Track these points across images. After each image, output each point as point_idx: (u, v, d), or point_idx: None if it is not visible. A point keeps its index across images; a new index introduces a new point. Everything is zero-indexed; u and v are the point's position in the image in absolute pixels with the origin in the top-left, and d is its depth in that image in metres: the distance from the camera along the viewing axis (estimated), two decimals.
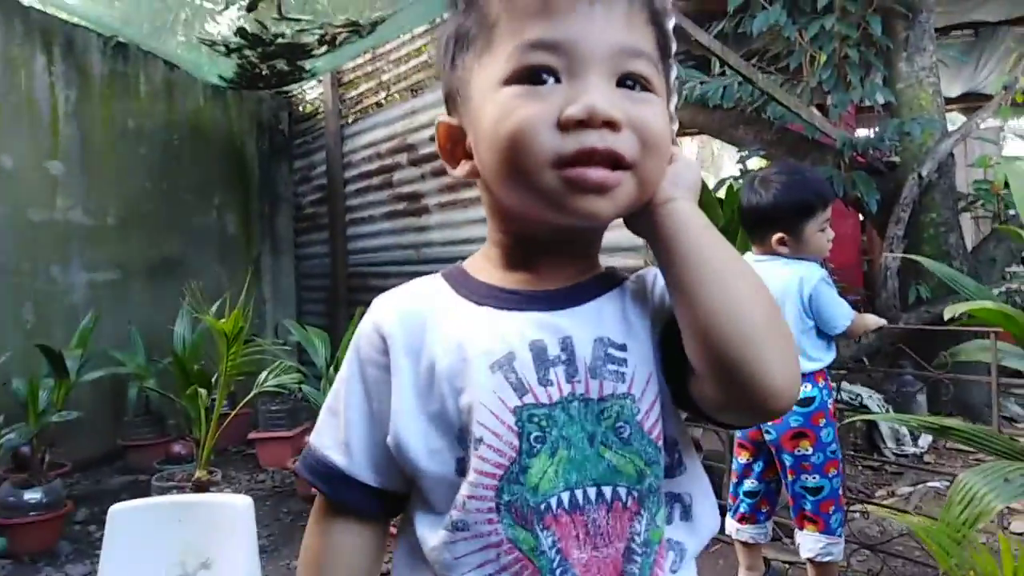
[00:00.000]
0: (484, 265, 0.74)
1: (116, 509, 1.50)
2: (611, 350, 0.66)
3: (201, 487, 2.56)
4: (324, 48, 3.74)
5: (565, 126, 0.60)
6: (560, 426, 0.64)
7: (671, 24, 0.71)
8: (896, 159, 4.24)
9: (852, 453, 3.59)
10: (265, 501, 3.79)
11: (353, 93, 5.26)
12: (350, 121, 5.28)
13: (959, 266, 4.10)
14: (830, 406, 2.26)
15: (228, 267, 5.32)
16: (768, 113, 4.43)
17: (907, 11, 4.11)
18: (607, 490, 0.64)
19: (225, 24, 3.85)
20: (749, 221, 2.31)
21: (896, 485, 3.47)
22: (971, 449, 1.80)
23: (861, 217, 5.50)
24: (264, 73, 4.07)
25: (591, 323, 0.67)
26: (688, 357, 0.63)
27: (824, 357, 2.28)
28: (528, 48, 0.62)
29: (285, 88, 5.27)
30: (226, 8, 3.27)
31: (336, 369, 3.50)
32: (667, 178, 0.66)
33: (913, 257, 1.64)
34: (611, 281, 0.72)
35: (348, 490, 0.70)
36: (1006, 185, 4.11)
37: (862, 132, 5.51)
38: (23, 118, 4.01)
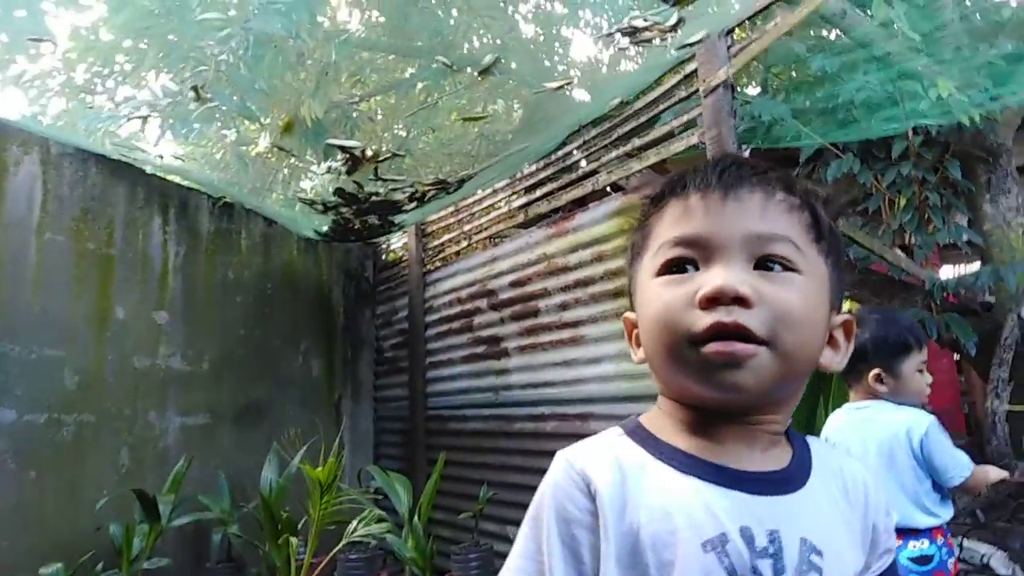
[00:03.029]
0: (666, 427, 0.75)
1: None
2: (812, 556, 0.67)
3: None
4: (414, 204, 3.99)
5: (700, 305, 0.67)
6: None
7: (821, 208, 0.75)
8: (991, 299, 4.10)
9: None
10: None
11: (436, 242, 5.51)
12: (432, 268, 5.50)
13: None
14: (951, 566, 2.10)
15: (310, 411, 5.43)
16: (850, 255, 4.41)
17: (986, 154, 4.12)
18: None
19: (319, 182, 4.18)
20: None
21: None
22: None
23: (956, 358, 5.26)
24: (356, 227, 4.34)
25: (795, 520, 0.68)
26: None
27: (941, 512, 2.14)
28: (671, 245, 0.72)
29: (373, 239, 5.56)
30: (328, 171, 3.56)
31: (419, 514, 3.45)
32: None
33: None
34: (805, 466, 0.74)
35: None
36: None
37: (947, 269, 5.37)
38: (137, 273, 4.35)
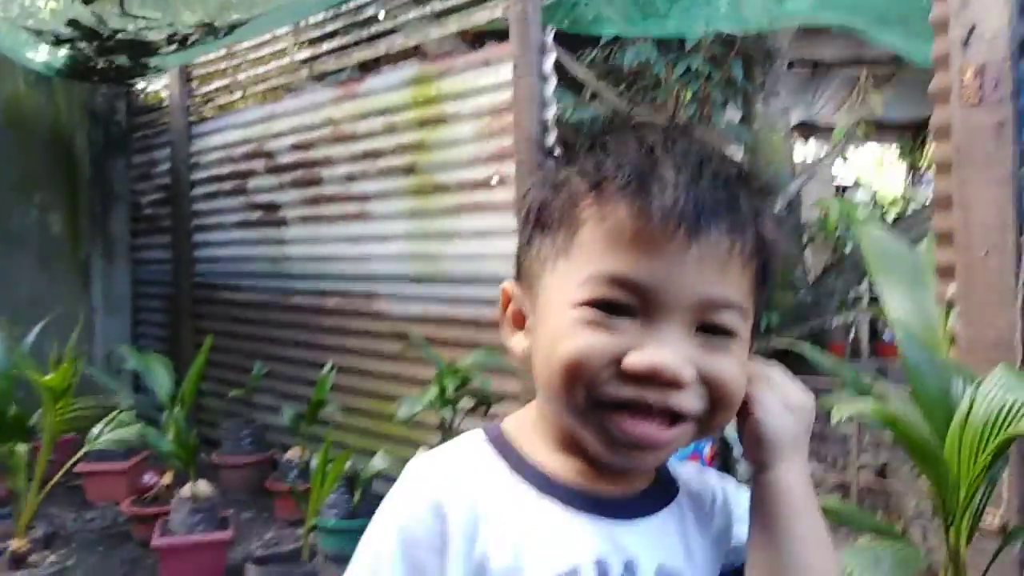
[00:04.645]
0: (533, 439, 0.66)
1: None
2: None
3: (20, 560, 2.19)
4: (173, 47, 3.38)
5: (624, 373, 0.56)
6: None
7: (777, 252, 0.64)
8: None
9: None
10: (96, 546, 3.41)
11: (204, 89, 4.85)
12: (199, 119, 4.87)
13: (803, 297, 4.41)
14: (706, 451, 2.35)
15: (50, 273, 4.75)
16: None
17: (765, 57, 4.34)
18: None
19: (51, 8, 3.37)
20: None
21: None
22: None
23: None
24: (100, 67, 3.62)
25: (654, 545, 0.63)
26: None
27: None
28: (607, 282, 0.57)
29: (125, 81, 4.76)
30: None
31: (181, 401, 3.17)
32: (768, 435, 0.62)
33: (794, 341, 1.65)
34: (669, 487, 0.68)
35: None
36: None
37: None
38: None
